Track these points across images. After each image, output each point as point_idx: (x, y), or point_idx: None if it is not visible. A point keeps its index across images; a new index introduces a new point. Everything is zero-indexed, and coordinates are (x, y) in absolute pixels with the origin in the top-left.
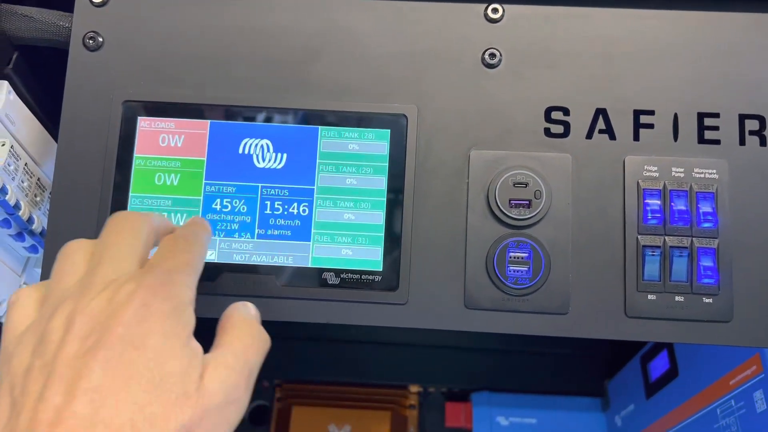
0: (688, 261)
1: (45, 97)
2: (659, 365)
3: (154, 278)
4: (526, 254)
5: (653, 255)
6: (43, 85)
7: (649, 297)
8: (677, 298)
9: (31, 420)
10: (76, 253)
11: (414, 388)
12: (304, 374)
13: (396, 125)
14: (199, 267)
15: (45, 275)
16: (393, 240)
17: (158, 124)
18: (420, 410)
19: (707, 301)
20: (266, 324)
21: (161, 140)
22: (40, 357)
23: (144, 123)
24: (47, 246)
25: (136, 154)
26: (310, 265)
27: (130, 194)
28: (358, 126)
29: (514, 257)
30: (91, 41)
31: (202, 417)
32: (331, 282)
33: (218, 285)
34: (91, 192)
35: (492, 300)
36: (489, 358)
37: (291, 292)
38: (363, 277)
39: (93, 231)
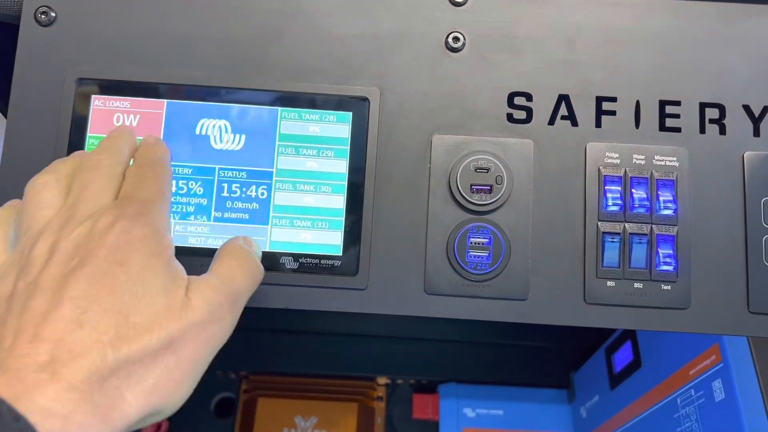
0: (647, 248)
1: None
2: (623, 357)
3: (131, 208)
4: (487, 240)
5: (613, 241)
6: None
7: (609, 283)
8: (636, 285)
9: (18, 327)
10: (47, 188)
11: (382, 380)
12: (270, 366)
13: (358, 108)
14: (169, 194)
15: None
16: (353, 224)
17: (113, 103)
18: (388, 402)
19: (665, 288)
20: None
21: (116, 120)
22: (24, 279)
23: (98, 102)
24: None
25: (89, 134)
26: (267, 249)
27: None
28: (320, 108)
29: (475, 243)
30: (43, 16)
31: (185, 330)
32: (289, 266)
33: None
34: None
35: (452, 285)
36: (457, 350)
37: None
38: (322, 261)
39: None
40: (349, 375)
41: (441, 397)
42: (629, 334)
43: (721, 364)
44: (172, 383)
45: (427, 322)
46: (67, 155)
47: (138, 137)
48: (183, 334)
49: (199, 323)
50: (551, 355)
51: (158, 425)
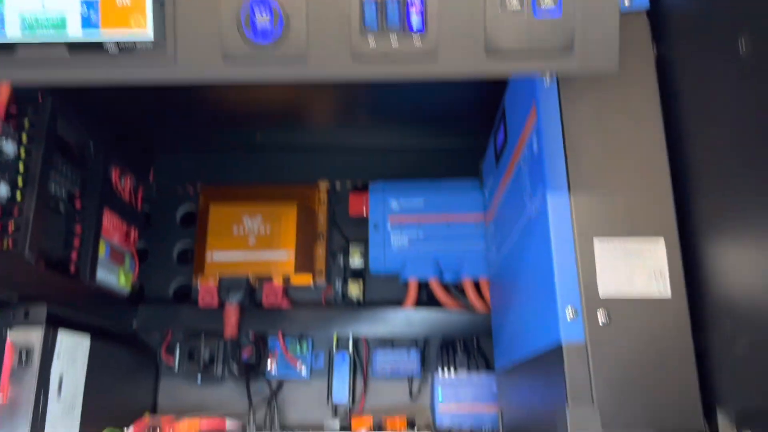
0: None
1: None
2: (501, 136)
3: None
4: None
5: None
6: None
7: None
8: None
9: None
10: None
11: (323, 185)
12: (224, 179)
13: None
14: None
15: None
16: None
17: None
18: (329, 203)
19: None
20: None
21: None
22: None
23: None
24: None
25: None
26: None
27: None
28: None
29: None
30: None
31: None
32: (111, 52)
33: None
34: None
35: (245, 55)
36: (388, 156)
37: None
38: (137, 44)
39: None
40: (293, 181)
41: (370, 192)
42: (503, 116)
43: (537, 120)
44: None
45: (361, 133)
46: None
47: None
48: None
49: None
50: (470, 154)
51: (126, 234)
